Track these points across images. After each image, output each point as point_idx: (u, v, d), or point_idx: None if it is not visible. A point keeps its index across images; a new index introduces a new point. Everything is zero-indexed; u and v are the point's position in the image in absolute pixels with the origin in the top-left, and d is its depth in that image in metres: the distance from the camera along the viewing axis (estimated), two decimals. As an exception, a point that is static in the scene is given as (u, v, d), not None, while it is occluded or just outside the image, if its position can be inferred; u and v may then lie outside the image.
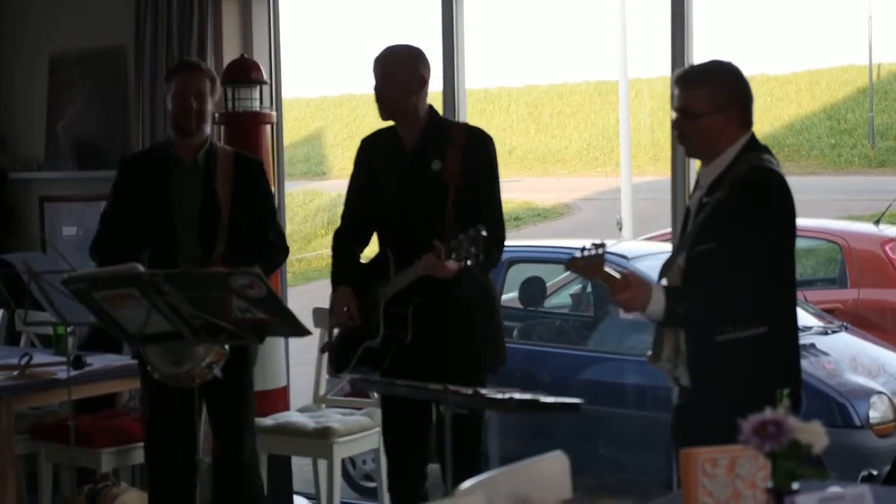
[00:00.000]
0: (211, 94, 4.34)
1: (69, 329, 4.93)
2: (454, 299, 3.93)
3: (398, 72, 3.99)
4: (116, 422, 5.08)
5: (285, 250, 4.45)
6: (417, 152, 4.02)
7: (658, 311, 3.19)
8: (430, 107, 4.11)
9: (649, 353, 3.42)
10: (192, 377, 3.96)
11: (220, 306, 3.57)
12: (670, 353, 3.35)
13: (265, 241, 4.37)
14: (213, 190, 4.30)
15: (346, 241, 4.13)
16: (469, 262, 3.66)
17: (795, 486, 1.90)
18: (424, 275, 3.80)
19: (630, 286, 3.19)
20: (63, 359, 4.56)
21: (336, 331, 4.15)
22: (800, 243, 3.45)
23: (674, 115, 3.37)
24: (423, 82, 4.03)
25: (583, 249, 3.23)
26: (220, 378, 3.97)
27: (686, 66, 3.49)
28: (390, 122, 4.10)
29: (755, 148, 3.31)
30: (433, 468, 4.16)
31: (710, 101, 3.27)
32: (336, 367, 4.22)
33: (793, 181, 3.30)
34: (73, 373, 4.48)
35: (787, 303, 3.35)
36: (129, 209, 4.39)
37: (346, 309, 3.98)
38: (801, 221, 3.34)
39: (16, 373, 4.62)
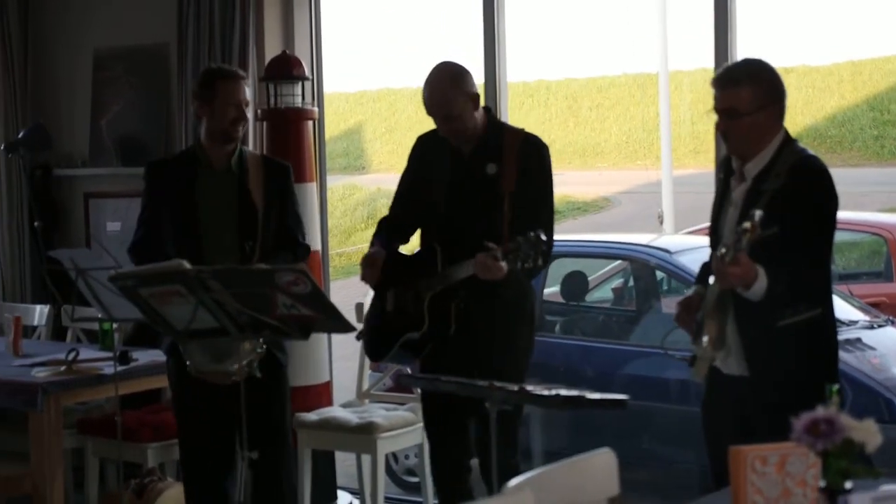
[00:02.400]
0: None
1: (115, 325, 4.97)
2: (497, 299, 3.94)
3: (453, 100, 3.94)
4: (162, 417, 5.12)
5: (307, 250, 4.42)
6: (474, 156, 4.04)
7: (761, 289, 3.25)
8: (488, 109, 4.10)
9: (704, 340, 3.37)
10: (229, 374, 3.96)
11: (265, 302, 3.59)
12: (727, 342, 3.38)
13: (297, 242, 4.35)
14: (248, 193, 4.29)
15: (388, 228, 4.18)
16: (527, 265, 3.67)
17: (848, 484, 1.89)
18: (475, 273, 3.81)
19: (744, 264, 3.22)
20: (109, 354, 4.60)
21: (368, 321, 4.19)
22: (844, 236, 3.50)
23: (715, 116, 3.45)
24: (476, 98, 4.01)
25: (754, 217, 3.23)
26: (259, 377, 3.95)
27: (723, 67, 3.56)
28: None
29: (791, 139, 3.46)
30: (475, 462, 4.17)
31: (753, 100, 3.39)
32: (372, 356, 4.27)
33: (836, 173, 3.42)
34: (120, 368, 4.51)
35: (830, 287, 3.53)
36: (158, 213, 4.34)
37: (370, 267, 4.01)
38: (844, 214, 3.38)
39: (63, 368, 4.66)
